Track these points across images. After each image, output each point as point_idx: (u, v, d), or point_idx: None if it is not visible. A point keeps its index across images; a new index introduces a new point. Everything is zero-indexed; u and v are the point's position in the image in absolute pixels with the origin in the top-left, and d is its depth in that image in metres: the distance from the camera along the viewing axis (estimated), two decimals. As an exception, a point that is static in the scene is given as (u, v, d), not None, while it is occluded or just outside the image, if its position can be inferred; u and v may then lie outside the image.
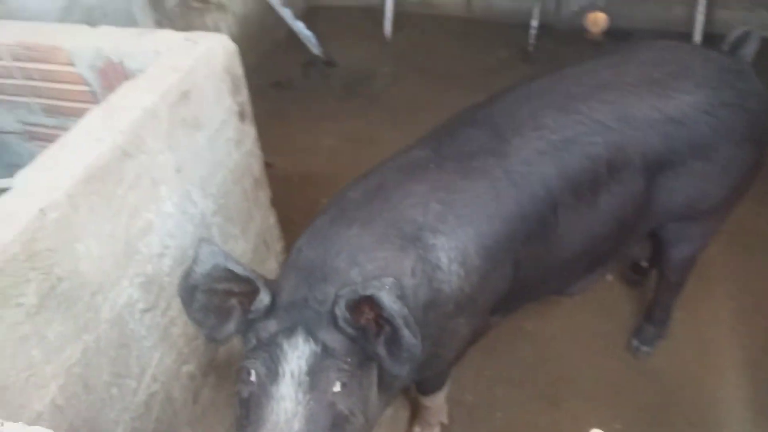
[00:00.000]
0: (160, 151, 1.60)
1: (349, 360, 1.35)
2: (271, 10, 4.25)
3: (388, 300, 1.26)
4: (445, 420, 2.18)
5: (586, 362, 2.38)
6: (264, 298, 1.37)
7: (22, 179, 1.32)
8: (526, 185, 1.64)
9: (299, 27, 4.27)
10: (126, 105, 1.55)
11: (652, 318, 2.35)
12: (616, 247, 1.91)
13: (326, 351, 1.32)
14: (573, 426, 2.19)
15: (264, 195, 2.23)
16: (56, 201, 1.27)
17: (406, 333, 1.29)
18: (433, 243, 1.54)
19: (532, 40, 4.18)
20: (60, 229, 1.28)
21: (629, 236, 1.89)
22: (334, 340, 1.34)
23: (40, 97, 2.07)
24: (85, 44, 1.88)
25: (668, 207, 1.83)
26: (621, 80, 1.73)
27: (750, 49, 1.89)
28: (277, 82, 4.24)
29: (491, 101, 1.81)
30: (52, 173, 1.33)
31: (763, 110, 1.80)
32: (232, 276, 1.36)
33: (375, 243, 1.50)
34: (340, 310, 1.32)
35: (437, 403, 2.04)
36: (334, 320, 1.34)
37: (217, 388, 1.97)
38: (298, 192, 3.22)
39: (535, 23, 4.18)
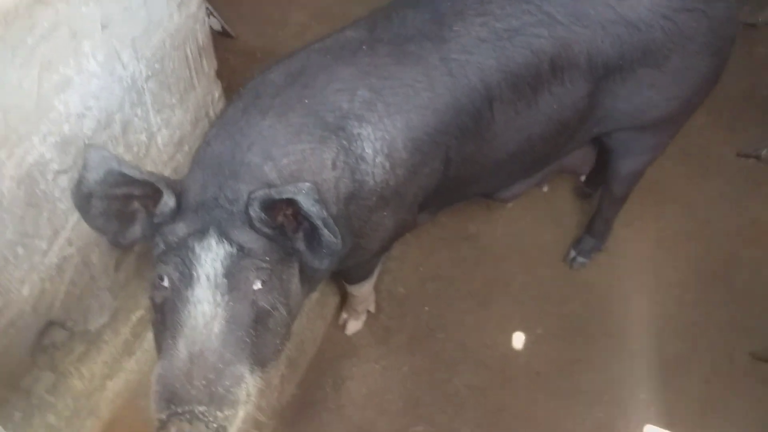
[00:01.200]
0: (84, 2, 1.48)
1: (268, 258, 1.31)
2: None
3: (306, 204, 1.21)
4: (372, 309, 2.22)
5: (522, 268, 2.41)
6: (168, 201, 1.30)
7: None
8: (463, 76, 1.55)
9: None
10: (42, -55, 1.41)
11: (592, 230, 2.35)
12: (553, 152, 1.86)
13: (242, 251, 1.28)
14: (497, 327, 2.26)
15: (209, 64, 2.12)
16: (-52, 42, 1.17)
17: (326, 233, 1.26)
18: (358, 132, 1.47)
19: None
20: (-46, 74, 1.19)
21: (568, 141, 1.83)
22: (250, 240, 1.30)
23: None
24: None
25: (612, 114, 1.77)
26: None
27: None
28: (255, -52, 3.94)
29: None
30: (-53, 12, 1.21)
31: (728, 19, 1.68)
32: (129, 180, 1.27)
33: (291, 135, 1.42)
34: (255, 212, 1.27)
35: (363, 292, 2.06)
36: (248, 220, 1.29)
37: (143, 258, 1.96)
38: (258, 67, 3.08)
39: None
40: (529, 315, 2.29)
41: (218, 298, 1.25)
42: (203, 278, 1.26)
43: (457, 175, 1.69)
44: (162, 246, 1.33)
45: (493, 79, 1.56)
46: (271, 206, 1.27)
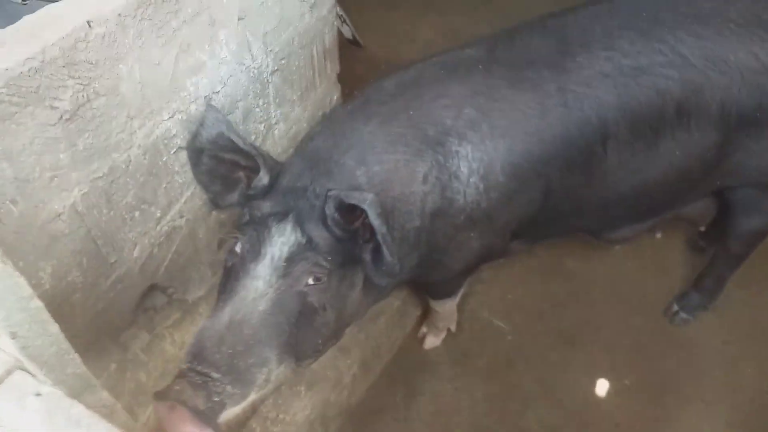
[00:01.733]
0: (225, -7, 1.59)
1: (330, 258, 1.36)
2: None
3: (370, 214, 1.25)
4: (453, 328, 2.20)
5: (618, 314, 2.29)
6: (263, 178, 1.40)
7: (78, -10, 1.35)
8: (579, 108, 1.50)
9: None
10: (197, -61, 1.53)
11: (701, 286, 2.19)
12: (670, 200, 1.76)
13: (310, 244, 1.35)
14: (582, 370, 2.15)
15: (332, 68, 2.20)
16: (104, 16, 1.29)
17: (384, 250, 1.30)
18: (456, 150, 1.47)
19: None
20: (105, 45, 1.32)
21: (689, 192, 1.73)
22: (320, 236, 1.35)
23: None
24: None
25: (741, 170, 1.65)
26: (722, 15, 1.51)
27: None
28: (394, -36, 4.07)
29: (570, 11, 1.65)
30: (107, -10, 1.35)
31: None
32: (236, 147, 1.39)
33: (389, 143, 1.45)
34: (330, 210, 1.32)
35: (446, 310, 2.04)
36: (324, 217, 1.35)
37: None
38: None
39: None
40: (619, 364, 2.17)
41: (273, 279, 1.32)
42: (268, 257, 1.34)
43: (558, 207, 1.65)
44: (246, 217, 1.42)
45: (610, 115, 1.51)
46: (348, 209, 1.32)
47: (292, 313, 1.34)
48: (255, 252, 1.35)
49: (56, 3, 1.32)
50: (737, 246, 2.00)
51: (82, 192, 1.41)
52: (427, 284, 1.90)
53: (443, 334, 2.20)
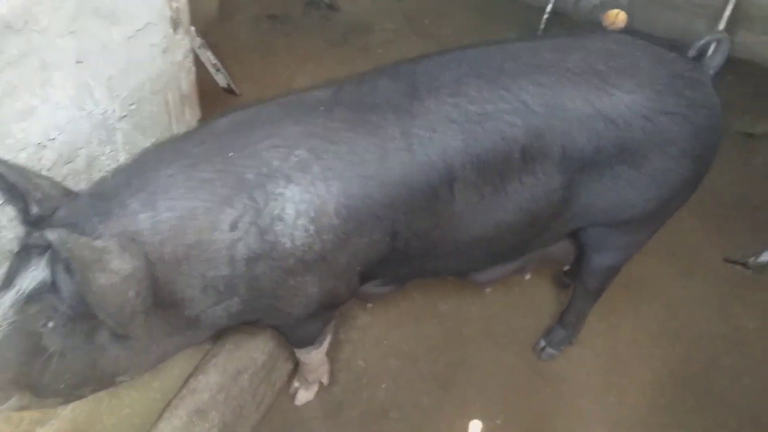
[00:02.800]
0: (59, 35, 1.50)
1: (73, 305, 1.29)
2: (284, -60, 4.10)
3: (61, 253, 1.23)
4: (325, 380, 2.12)
5: (490, 353, 2.31)
6: (33, 208, 1.35)
7: None
8: (424, 153, 1.50)
9: (309, -37, 4.12)
10: (24, -22, 1.44)
11: (565, 321, 2.26)
12: (525, 242, 1.79)
13: (53, 286, 1.29)
14: (455, 412, 2.14)
15: (192, 114, 2.14)
16: None
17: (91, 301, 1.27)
18: (280, 192, 1.42)
19: (542, 25, 4.00)
20: None
21: (542, 232, 1.77)
22: (64, 280, 1.29)
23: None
24: None
25: (588, 210, 1.71)
26: (561, 65, 1.58)
27: (717, 59, 1.72)
28: (273, 15, 4.10)
29: (422, 57, 1.67)
30: None
31: (712, 126, 1.65)
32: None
33: (187, 189, 1.39)
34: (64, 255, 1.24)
35: (312, 361, 1.96)
36: (67, 261, 1.27)
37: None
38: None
39: (549, 8, 4.00)
40: (491, 403, 2.17)
41: (10, 313, 1.27)
42: (15, 289, 1.28)
43: (409, 250, 1.63)
44: (21, 239, 1.40)
45: (457, 160, 1.52)
46: None
47: (22, 352, 1.29)
48: (8, 280, 1.31)
49: None
50: (592, 282, 2.07)
51: None
52: (283, 332, 1.82)
53: (315, 387, 2.11)
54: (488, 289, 2.40)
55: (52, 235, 1.21)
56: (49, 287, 1.28)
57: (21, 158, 1.51)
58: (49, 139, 1.57)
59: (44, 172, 1.59)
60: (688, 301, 2.51)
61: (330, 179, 1.45)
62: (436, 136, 1.51)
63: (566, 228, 1.83)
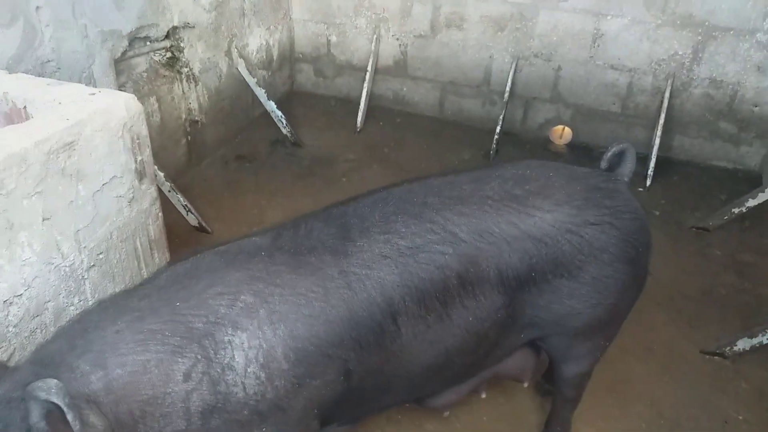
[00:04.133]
0: (26, 196, 1.58)
1: None
2: (247, 87, 4.39)
3: (62, 405, 1.14)
4: None
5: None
6: None
7: None
8: (362, 289, 1.54)
9: (271, 107, 4.38)
10: (-7, 146, 1.54)
11: (549, 430, 2.22)
12: (477, 362, 1.80)
13: None
14: None
15: (162, 257, 2.19)
16: None
17: None
18: (229, 339, 1.42)
19: (494, 145, 4.25)
20: None
21: (492, 350, 1.79)
22: None
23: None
24: (-6, 87, 1.91)
25: (537, 323, 1.75)
26: (480, 194, 1.68)
27: (628, 167, 1.82)
28: (241, 155, 4.30)
29: (351, 200, 1.76)
30: None
31: (638, 228, 1.73)
32: None
33: (137, 343, 1.37)
34: (34, 419, 1.16)
35: None
36: None
37: None
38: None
39: (498, 129, 4.26)
40: None
41: None
42: None
43: (364, 387, 1.62)
44: None
45: (395, 293, 1.56)
46: (59, 416, 1.17)
47: None
48: None
49: None
50: (567, 389, 2.07)
51: None
52: None
53: None
54: (446, 414, 2.36)
55: (46, 385, 1.13)
56: None
57: (-14, 318, 1.52)
58: (16, 296, 1.60)
59: (11, 328, 1.60)
60: (673, 399, 2.49)
61: (276, 322, 1.45)
62: (372, 273, 1.55)
63: (517, 342, 1.85)
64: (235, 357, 1.41)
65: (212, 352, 1.40)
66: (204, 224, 3.44)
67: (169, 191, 3.29)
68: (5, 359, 1.59)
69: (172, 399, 1.36)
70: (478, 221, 1.62)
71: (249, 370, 1.42)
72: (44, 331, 1.70)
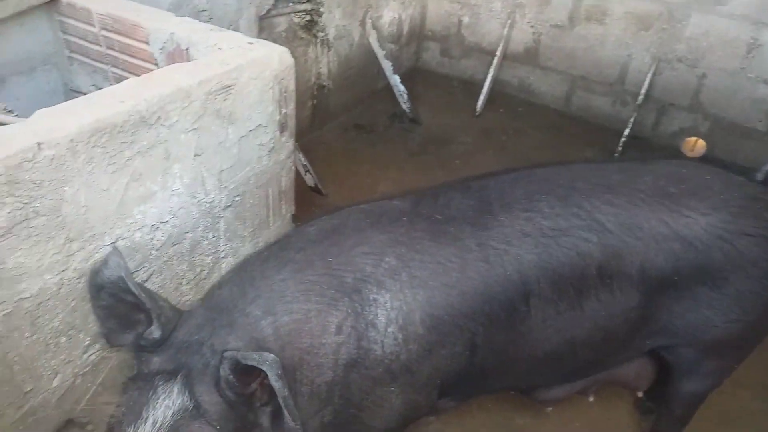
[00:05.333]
0: (184, 130, 1.67)
1: (219, 427, 1.24)
2: (375, 59, 4.43)
3: (271, 376, 1.16)
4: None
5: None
6: (155, 332, 1.32)
7: (36, 116, 1.40)
8: (500, 264, 1.52)
9: (395, 81, 4.41)
10: (162, 80, 1.63)
11: (650, 450, 2.13)
12: (598, 360, 1.75)
13: (198, 410, 1.23)
14: None
15: (287, 208, 2.26)
16: (55, 140, 1.34)
17: (286, 414, 1.19)
18: (374, 298, 1.45)
19: (620, 147, 4.07)
20: (52, 167, 1.35)
21: (617, 351, 1.73)
22: (211, 401, 1.24)
23: (116, 66, 2.23)
24: (162, 28, 2.02)
25: (668, 330, 1.67)
26: (631, 187, 1.61)
27: None
28: (360, 125, 4.36)
29: (491, 175, 1.74)
30: (64, 117, 1.40)
31: None
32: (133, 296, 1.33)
33: (300, 292, 1.41)
34: (224, 372, 1.23)
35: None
36: (217, 379, 1.24)
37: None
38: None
39: (627, 131, 4.07)
40: None
41: None
42: (150, 422, 1.22)
43: (485, 364, 1.61)
44: (137, 369, 1.33)
45: (531, 273, 1.53)
46: (244, 370, 1.22)
47: None
48: (135, 414, 1.23)
49: (13, 124, 1.36)
50: (677, 408, 1.97)
51: (4, 312, 1.36)
52: None
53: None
54: (549, 409, 2.30)
55: (261, 358, 1.17)
56: (191, 413, 1.23)
57: (137, 237, 1.63)
58: (162, 222, 1.70)
59: (153, 251, 1.71)
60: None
61: (416, 287, 1.47)
62: (511, 249, 1.53)
63: (642, 347, 1.77)
64: (378, 315, 1.44)
65: (359, 307, 1.44)
66: (320, 186, 3.53)
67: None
68: (144, 279, 1.71)
69: (327, 350, 1.41)
70: (628, 214, 1.56)
71: (389, 329, 1.45)
72: (180, 259, 1.81)
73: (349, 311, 1.43)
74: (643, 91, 4.06)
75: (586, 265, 1.54)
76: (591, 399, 2.08)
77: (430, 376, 1.55)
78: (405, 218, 1.58)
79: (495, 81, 4.62)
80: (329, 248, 1.51)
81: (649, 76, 4.03)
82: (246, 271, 1.50)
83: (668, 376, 1.89)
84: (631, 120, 4.06)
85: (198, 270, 1.91)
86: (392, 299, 1.46)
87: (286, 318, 1.38)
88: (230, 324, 1.34)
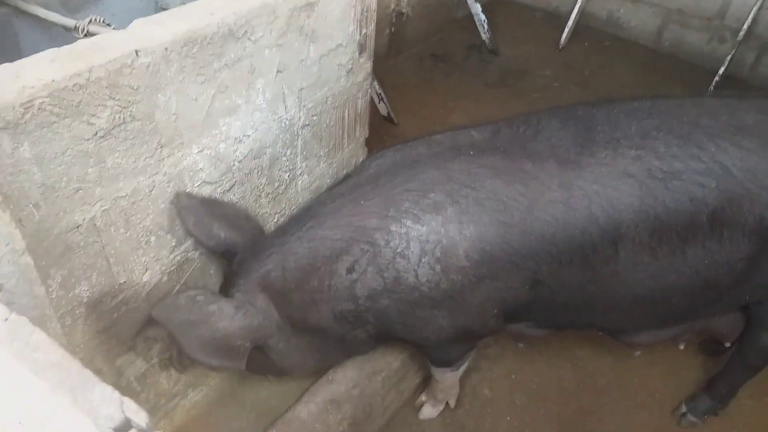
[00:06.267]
0: (268, 46, 1.70)
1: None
2: (455, -14, 4.31)
3: None
4: (452, 402, 2.14)
5: (623, 407, 2.20)
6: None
7: (133, 26, 1.47)
8: (584, 207, 1.45)
9: (476, 9, 4.28)
10: (250, -6, 1.66)
11: (713, 390, 2.11)
12: (693, 308, 1.68)
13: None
14: (580, 462, 2.06)
15: (361, 132, 2.30)
16: (151, 48, 1.40)
17: None
18: (405, 231, 1.50)
19: (712, 88, 3.85)
20: (148, 74, 1.42)
21: (714, 303, 1.66)
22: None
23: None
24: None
25: None
26: (766, 129, 1.48)
27: None
28: (437, 54, 4.29)
29: (606, 102, 1.62)
30: (159, 27, 1.46)
31: None
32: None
33: (309, 250, 1.60)
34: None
35: (447, 381, 1.99)
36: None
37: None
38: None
39: (722, 70, 3.83)
40: (620, 459, 2.07)
41: None
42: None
43: (556, 299, 1.60)
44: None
45: (627, 218, 1.45)
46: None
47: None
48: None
49: (113, 32, 1.44)
50: (754, 358, 1.92)
51: (103, 208, 1.47)
52: (424, 350, 1.88)
53: (441, 407, 2.13)
54: (638, 353, 2.29)
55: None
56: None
57: (221, 148, 1.71)
58: (245, 135, 1.77)
59: (236, 163, 1.79)
60: None
61: (465, 223, 1.48)
62: (604, 191, 1.45)
63: (741, 300, 1.70)
64: (410, 247, 1.50)
65: (383, 242, 1.52)
66: (392, 115, 3.53)
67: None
68: (227, 189, 1.80)
69: (338, 287, 1.59)
70: (758, 159, 1.44)
71: (423, 260, 1.50)
72: (260, 173, 1.89)
73: (365, 250, 1.54)
74: (745, 26, 3.77)
75: (697, 212, 1.45)
76: (682, 347, 2.06)
77: (482, 305, 1.59)
78: (472, 152, 1.56)
79: (582, 13, 4.41)
80: (372, 189, 1.60)
81: (755, 9, 3.73)
82: (305, 208, 1.78)
83: (749, 325, 1.84)
84: (728, 58, 3.81)
85: (276, 185, 1.99)
86: (429, 233, 1.49)
87: (293, 266, 1.62)
88: (247, 272, 1.65)
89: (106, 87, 1.34)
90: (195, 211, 1.62)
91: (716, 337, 2.04)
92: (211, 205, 1.67)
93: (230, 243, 1.68)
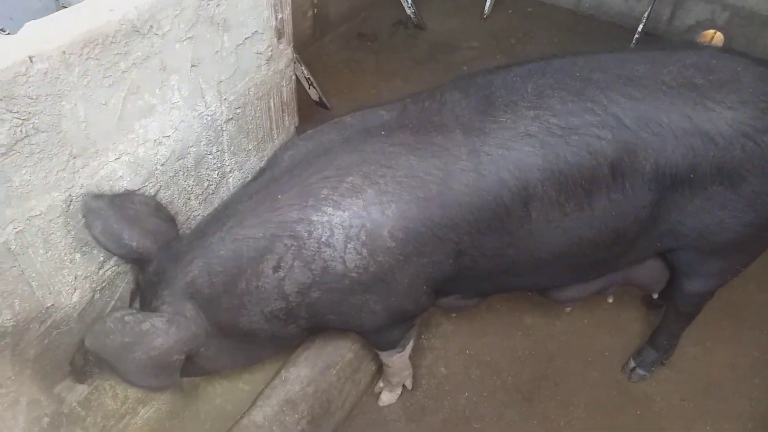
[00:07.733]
0: (178, 39, 1.61)
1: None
2: (375, -38, 4.23)
3: None
4: (408, 384, 2.13)
5: (575, 369, 2.25)
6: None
7: (25, 29, 1.36)
8: (493, 172, 1.47)
9: (398, -16, 4.23)
10: (152, -13, 1.56)
11: (656, 342, 2.18)
12: (608, 260, 1.73)
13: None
14: (539, 426, 2.09)
15: (291, 120, 2.23)
16: (47, 53, 1.30)
17: None
18: (327, 220, 1.48)
19: (633, 44, 3.92)
20: (46, 81, 1.32)
21: (626, 251, 1.70)
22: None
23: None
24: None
25: (677, 231, 1.63)
26: (654, 77, 1.51)
27: None
28: (363, 33, 4.23)
29: (501, 68, 1.63)
30: (54, 29, 1.36)
31: None
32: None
33: (232, 251, 1.55)
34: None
35: (396, 364, 1.98)
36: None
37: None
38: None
39: (640, 28, 3.91)
40: (576, 420, 2.11)
41: None
42: None
43: (478, 268, 1.62)
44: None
45: (533, 176, 1.48)
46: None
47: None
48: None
49: (2, 38, 1.33)
50: (684, 305, 1.99)
51: (16, 230, 1.38)
52: (365, 336, 1.87)
53: (399, 390, 2.13)
54: (568, 309, 2.34)
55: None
56: None
57: (140, 152, 1.62)
58: (165, 136, 1.69)
59: (159, 167, 1.70)
60: (792, 331, 2.37)
61: (385, 202, 1.47)
62: (509, 153, 1.47)
63: (652, 248, 1.75)
64: (334, 234, 1.48)
65: (305, 235, 1.49)
66: (324, 99, 3.46)
67: (294, 62, 3.30)
68: (152, 194, 1.72)
69: (266, 287, 1.55)
70: (648, 108, 1.47)
71: (349, 246, 1.48)
72: (186, 174, 1.81)
73: (289, 245, 1.50)
74: (658, -18, 3.86)
75: (598, 165, 1.48)
76: (610, 300, 2.11)
77: (411, 283, 1.59)
78: (383, 132, 1.54)
79: (502, -19, 4.42)
80: (287, 182, 1.56)
81: (665, -34, 3.82)
82: (197, 229, 1.71)
83: (673, 275, 1.90)
84: (645, 15, 3.89)
85: (205, 185, 1.91)
86: (351, 217, 1.48)
87: (218, 268, 1.58)
88: (169, 280, 1.58)
89: (1, 99, 1.24)
90: (102, 216, 1.50)
91: (641, 289, 2.11)
92: (120, 205, 1.55)
93: (142, 251, 1.59)
